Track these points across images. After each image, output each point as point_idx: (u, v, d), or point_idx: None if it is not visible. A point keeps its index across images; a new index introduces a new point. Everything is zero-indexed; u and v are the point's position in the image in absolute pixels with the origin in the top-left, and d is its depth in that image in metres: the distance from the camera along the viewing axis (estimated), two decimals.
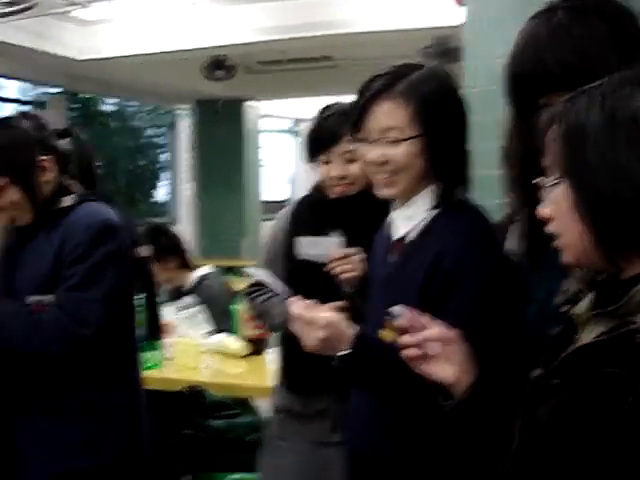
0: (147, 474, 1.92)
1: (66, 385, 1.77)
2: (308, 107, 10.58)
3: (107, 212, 1.80)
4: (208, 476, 2.59)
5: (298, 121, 12.28)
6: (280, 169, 12.82)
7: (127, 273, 1.82)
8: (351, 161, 1.92)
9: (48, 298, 1.73)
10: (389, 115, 1.44)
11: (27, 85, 10.62)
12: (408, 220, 1.51)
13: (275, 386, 2.22)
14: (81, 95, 11.54)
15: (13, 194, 1.77)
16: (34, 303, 1.74)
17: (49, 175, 1.80)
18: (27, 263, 1.80)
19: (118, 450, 1.83)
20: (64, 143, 1.86)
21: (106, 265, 1.73)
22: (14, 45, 6.90)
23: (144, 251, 1.91)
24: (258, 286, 2.16)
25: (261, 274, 1.78)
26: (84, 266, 1.71)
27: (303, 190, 2.25)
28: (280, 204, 11.71)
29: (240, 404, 2.83)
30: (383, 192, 1.50)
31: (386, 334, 1.27)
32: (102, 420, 1.81)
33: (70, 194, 1.83)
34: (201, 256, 9.45)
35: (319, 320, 1.40)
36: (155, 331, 2.01)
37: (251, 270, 2.07)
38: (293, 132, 12.70)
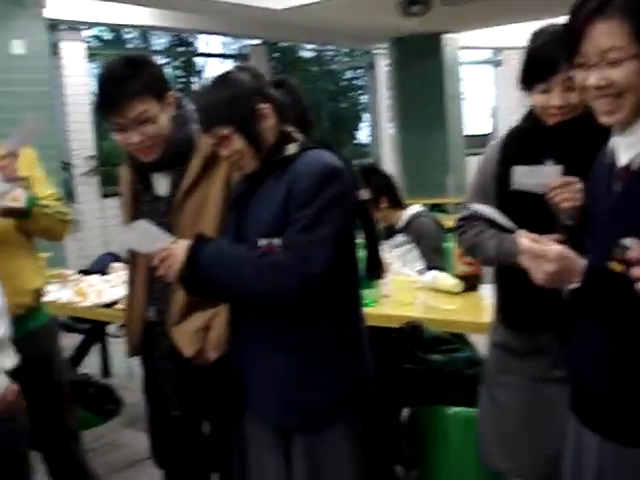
0: (371, 408, 1.99)
1: (296, 323, 1.85)
2: (508, 35, 10.18)
3: (329, 158, 1.85)
4: (427, 409, 2.63)
5: (498, 50, 11.84)
6: (481, 101, 12.49)
7: (351, 215, 1.87)
8: (570, 89, 1.82)
9: (278, 240, 1.81)
10: (607, 35, 1.35)
11: (228, 39, 11.08)
12: (632, 146, 1.43)
13: (492, 322, 2.20)
14: (280, 44, 11.86)
15: (237, 143, 1.85)
16: (265, 246, 1.82)
17: (269, 122, 1.87)
18: (257, 209, 1.89)
19: (346, 384, 1.91)
20: (280, 92, 1.93)
21: (331, 208, 1.78)
22: (214, 1, 7.21)
23: (364, 194, 1.95)
24: (468, 220, 2.14)
25: (479, 207, 1.76)
26: (311, 210, 1.77)
27: (506, 122, 2.17)
28: (484, 137, 11.40)
29: (458, 339, 2.84)
30: (606, 119, 1.42)
31: (615, 266, 1.23)
32: (330, 356, 1.88)
33: (293, 142, 1.90)
34: (406, 195, 9.47)
35: (550, 253, 1.37)
36: (376, 270, 2.05)
37: (469, 205, 2.05)
38: (493, 62, 12.28)
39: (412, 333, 2.65)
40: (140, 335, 2.34)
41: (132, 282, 2.37)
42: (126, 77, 2.07)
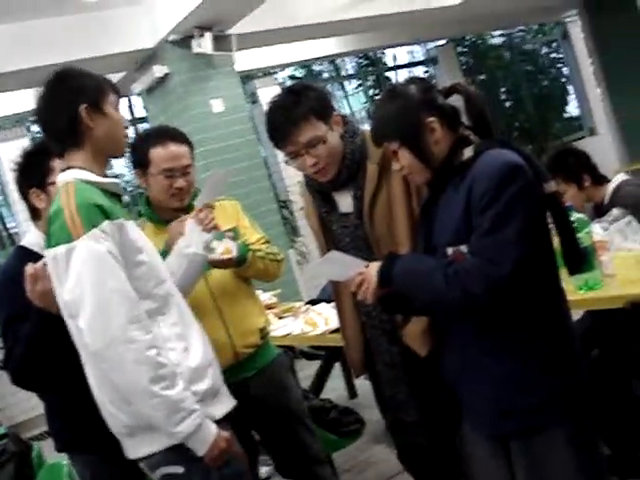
0: (594, 406, 1.88)
1: (496, 325, 1.82)
2: None
3: (507, 155, 1.81)
4: None
5: None
6: None
7: (537, 210, 1.80)
8: None
9: (464, 247, 1.79)
10: None
11: (415, 46, 11.09)
12: None
13: None
14: (467, 38, 11.66)
15: (405, 157, 1.89)
16: (452, 254, 1.82)
17: (438, 134, 1.87)
18: (441, 217, 1.89)
19: (557, 383, 1.83)
20: (452, 100, 1.92)
21: (514, 207, 1.73)
22: (397, 12, 7.33)
23: (551, 186, 1.87)
24: None
25: None
26: (493, 211, 1.74)
27: None
28: None
29: None
30: None
31: None
32: (537, 356, 1.82)
33: (469, 146, 1.88)
34: (625, 163, 8.90)
35: None
36: (575, 262, 1.94)
37: None
38: None
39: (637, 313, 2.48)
40: (361, 356, 2.43)
41: (340, 309, 2.46)
42: (289, 105, 2.18)
